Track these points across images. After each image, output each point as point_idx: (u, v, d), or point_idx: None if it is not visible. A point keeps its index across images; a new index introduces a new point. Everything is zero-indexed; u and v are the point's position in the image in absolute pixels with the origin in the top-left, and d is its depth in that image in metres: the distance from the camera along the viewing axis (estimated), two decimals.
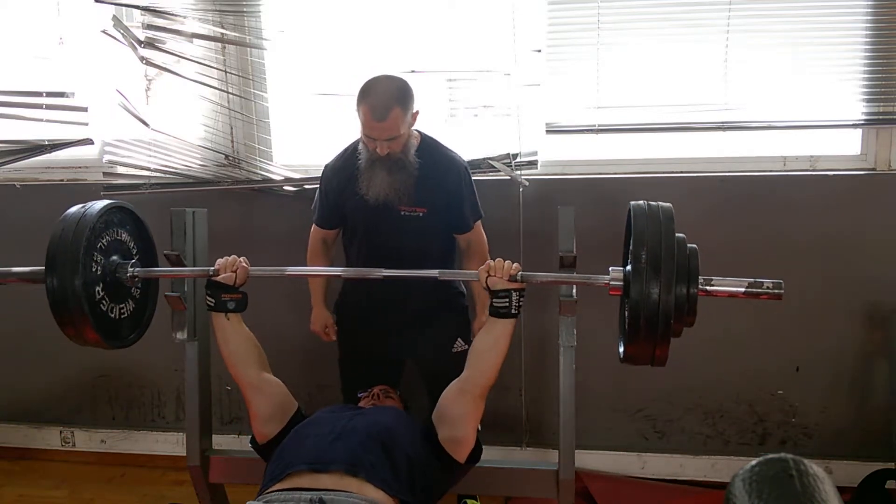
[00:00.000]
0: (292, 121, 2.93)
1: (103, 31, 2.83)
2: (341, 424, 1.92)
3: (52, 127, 2.99)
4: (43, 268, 1.86)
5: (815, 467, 0.70)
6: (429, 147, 2.41)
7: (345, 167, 2.42)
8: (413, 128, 2.35)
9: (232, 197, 2.96)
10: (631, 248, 1.69)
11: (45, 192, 3.13)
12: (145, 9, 2.82)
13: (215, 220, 2.50)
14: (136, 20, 2.86)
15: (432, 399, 2.51)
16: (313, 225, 2.56)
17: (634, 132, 2.75)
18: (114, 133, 2.98)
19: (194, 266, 2.29)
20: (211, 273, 2.03)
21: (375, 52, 2.75)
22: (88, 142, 2.98)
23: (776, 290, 1.72)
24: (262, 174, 2.92)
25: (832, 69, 2.61)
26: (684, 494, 2.82)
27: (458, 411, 1.96)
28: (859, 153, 2.72)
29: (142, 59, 2.85)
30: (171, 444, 3.17)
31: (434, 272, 2.06)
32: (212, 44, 2.86)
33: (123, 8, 2.85)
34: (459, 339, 2.50)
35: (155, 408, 3.23)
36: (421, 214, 2.37)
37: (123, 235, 2.07)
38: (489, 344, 1.96)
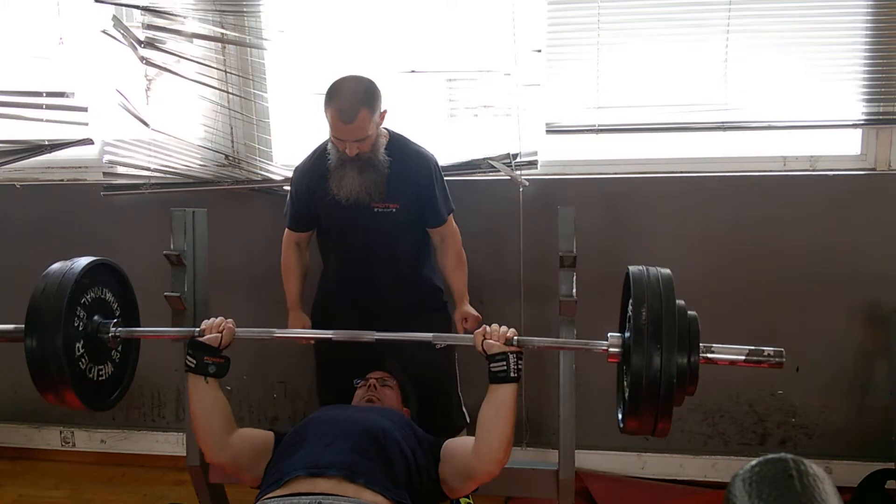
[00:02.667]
0: (292, 121, 2.93)
1: (103, 31, 2.84)
2: (338, 428, 1.91)
3: (52, 127, 2.99)
4: (22, 326, 1.82)
5: (815, 467, 0.69)
6: (398, 144, 2.43)
7: (314, 168, 2.43)
8: (381, 126, 2.36)
9: (232, 197, 2.96)
10: (631, 318, 1.65)
11: (45, 192, 3.13)
12: (145, 9, 2.82)
13: (215, 220, 2.50)
14: (136, 20, 2.86)
15: (420, 389, 2.51)
16: (286, 230, 2.57)
17: (634, 132, 2.75)
18: (114, 133, 2.98)
19: (194, 265, 2.29)
20: (196, 333, 1.96)
21: (375, 52, 2.75)
22: (88, 142, 2.98)
23: (777, 359, 1.68)
24: (262, 174, 2.92)
25: (832, 69, 2.61)
26: (684, 494, 2.82)
27: (464, 472, 1.91)
28: (859, 153, 2.72)
29: (142, 59, 2.85)
30: (171, 444, 3.17)
31: (428, 335, 2.01)
32: (212, 44, 2.86)
33: (123, 8, 2.85)
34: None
35: (155, 408, 3.23)
36: (394, 210, 2.38)
37: (105, 293, 2.02)
38: (492, 414, 1.84)
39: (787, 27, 2.59)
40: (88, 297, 1.94)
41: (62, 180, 3.14)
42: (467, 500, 2.69)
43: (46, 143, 3.02)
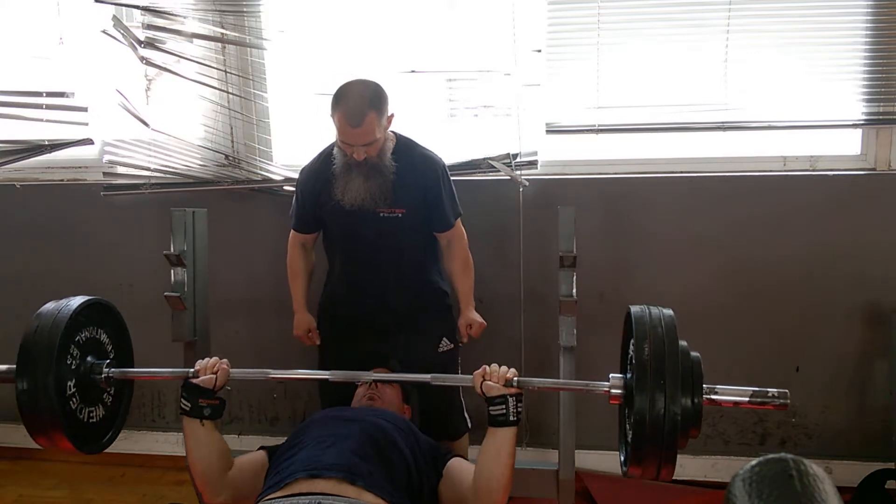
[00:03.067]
0: (292, 121, 2.93)
1: (103, 31, 2.84)
2: (338, 430, 1.90)
3: (52, 127, 2.99)
4: (14, 366, 1.80)
5: (815, 467, 0.69)
6: (405, 147, 2.41)
7: (320, 171, 2.41)
8: (388, 130, 2.34)
9: (232, 197, 2.96)
10: (633, 359, 1.63)
11: (45, 192, 3.13)
12: (145, 9, 2.82)
13: (215, 220, 2.50)
14: (136, 20, 2.86)
15: (423, 393, 2.51)
16: (291, 230, 2.56)
17: (634, 132, 2.75)
18: (114, 133, 2.98)
19: (195, 267, 2.29)
20: (190, 375, 1.93)
21: (375, 52, 2.75)
22: (88, 142, 2.98)
23: (782, 401, 1.65)
24: (262, 174, 2.92)
25: (832, 69, 2.61)
26: (684, 494, 2.82)
27: (459, 498, 1.89)
28: (859, 153, 2.72)
29: (142, 59, 2.85)
30: (171, 444, 3.17)
31: (427, 376, 1.98)
32: (212, 44, 2.86)
33: (123, 8, 2.85)
34: (445, 339, 2.50)
35: (155, 408, 3.23)
36: (400, 215, 2.36)
37: (98, 333, 2.00)
38: (491, 458, 1.81)
39: (787, 27, 2.59)
40: (81, 337, 1.93)
41: (62, 180, 3.14)
42: None
43: (46, 143, 3.02)
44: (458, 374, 2.62)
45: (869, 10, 2.55)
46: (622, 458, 1.79)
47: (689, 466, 2.89)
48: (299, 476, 1.74)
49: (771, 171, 2.73)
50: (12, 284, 3.15)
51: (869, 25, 2.56)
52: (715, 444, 2.89)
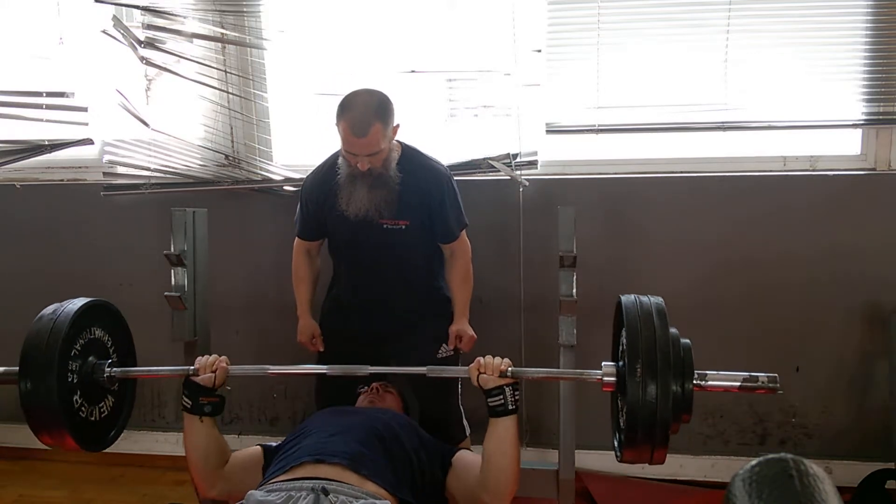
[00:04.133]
0: (292, 121, 2.93)
1: (103, 31, 2.84)
2: (344, 421, 1.93)
3: (52, 127, 2.99)
4: (16, 368, 1.82)
5: (815, 467, 0.70)
6: (410, 158, 2.38)
7: (324, 181, 2.39)
8: (394, 140, 2.32)
9: (232, 197, 2.96)
10: (625, 347, 1.65)
11: (45, 192, 3.13)
12: (145, 9, 2.82)
13: (215, 220, 2.50)
14: (136, 20, 2.86)
15: (421, 398, 2.51)
16: (296, 237, 2.55)
17: (634, 132, 2.75)
18: (114, 133, 2.98)
19: (195, 267, 2.29)
20: (190, 372, 1.97)
21: (375, 52, 2.75)
22: (88, 142, 2.98)
23: (771, 385, 1.70)
24: (262, 174, 2.92)
25: (832, 69, 2.61)
26: (684, 494, 2.82)
27: (472, 498, 1.90)
28: (859, 153, 2.72)
29: (142, 59, 2.85)
30: (171, 444, 3.17)
31: (423, 369, 2.00)
32: (212, 44, 2.86)
33: (123, 8, 2.85)
34: (444, 345, 2.49)
35: (155, 408, 3.23)
36: (404, 227, 2.35)
37: (99, 333, 2.02)
38: (495, 449, 1.85)
39: (787, 27, 2.59)
40: (83, 338, 1.94)
41: (62, 180, 3.14)
42: None
43: (46, 143, 3.02)
44: (457, 380, 2.62)
45: (869, 10, 2.55)
46: (616, 444, 1.82)
47: (689, 466, 2.89)
48: (305, 460, 1.77)
49: (771, 171, 2.73)
50: (12, 284, 3.15)
51: (869, 25, 2.56)
52: (715, 444, 2.89)
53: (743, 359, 2.78)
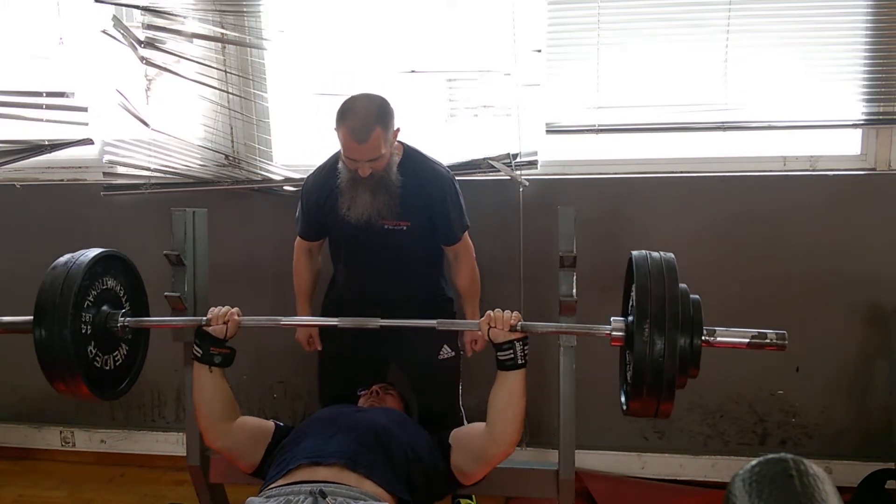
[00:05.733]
0: (292, 121, 2.93)
1: (103, 31, 2.84)
2: (340, 421, 1.94)
3: (52, 127, 2.99)
4: (31, 318, 1.83)
5: (815, 467, 0.70)
6: (412, 160, 2.37)
7: (325, 184, 2.38)
8: (394, 142, 2.31)
9: (232, 197, 2.96)
10: (634, 302, 1.65)
11: (45, 192, 3.14)
12: (145, 9, 2.82)
13: (215, 220, 2.50)
14: (136, 20, 2.86)
15: (421, 400, 2.51)
16: (297, 237, 2.55)
17: (634, 132, 2.75)
18: (114, 133, 2.99)
19: (195, 266, 2.29)
20: (203, 322, 2.01)
21: (375, 52, 2.75)
22: (88, 142, 2.99)
23: (780, 342, 1.68)
24: (262, 174, 2.92)
25: (832, 69, 2.61)
26: (684, 494, 2.82)
27: (479, 456, 1.94)
28: (859, 153, 2.72)
29: (142, 59, 2.85)
30: (171, 444, 3.17)
31: (433, 322, 2.01)
32: (212, 44, 2.86)
33: (123, 8, 2.85)
34: (446, 346, 2.49)
35: (155, 408, 3.23)
36: (405, 228, 2.34)
37: (113, 283, 2.03)
38: (503, 399, 1.89)
39: (787, 27, 2.59)
40: (97, 287, 1.96)
41: (62, 180, 3.14)
42: (467, 501, 2.69)
43: (46, 143, 3.02)
44: (458, 383, 2.62)
45: (869, 10, 2.55)
46: (622, 399, 1.83)
47: (689, 466, 2.89)
48: (302, 463, 1.78)
49: (771, 171, 2.73)
50: (12, 284, 3.15)
51: (869, 25, 2.56)
52: (715, 444, 2.89)
53: (742, 358, 2.79)
